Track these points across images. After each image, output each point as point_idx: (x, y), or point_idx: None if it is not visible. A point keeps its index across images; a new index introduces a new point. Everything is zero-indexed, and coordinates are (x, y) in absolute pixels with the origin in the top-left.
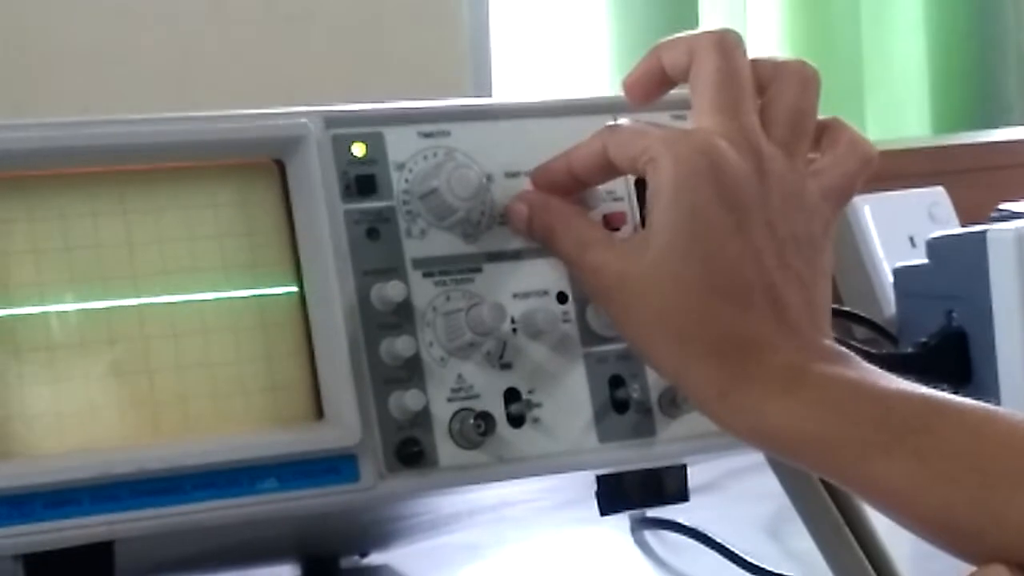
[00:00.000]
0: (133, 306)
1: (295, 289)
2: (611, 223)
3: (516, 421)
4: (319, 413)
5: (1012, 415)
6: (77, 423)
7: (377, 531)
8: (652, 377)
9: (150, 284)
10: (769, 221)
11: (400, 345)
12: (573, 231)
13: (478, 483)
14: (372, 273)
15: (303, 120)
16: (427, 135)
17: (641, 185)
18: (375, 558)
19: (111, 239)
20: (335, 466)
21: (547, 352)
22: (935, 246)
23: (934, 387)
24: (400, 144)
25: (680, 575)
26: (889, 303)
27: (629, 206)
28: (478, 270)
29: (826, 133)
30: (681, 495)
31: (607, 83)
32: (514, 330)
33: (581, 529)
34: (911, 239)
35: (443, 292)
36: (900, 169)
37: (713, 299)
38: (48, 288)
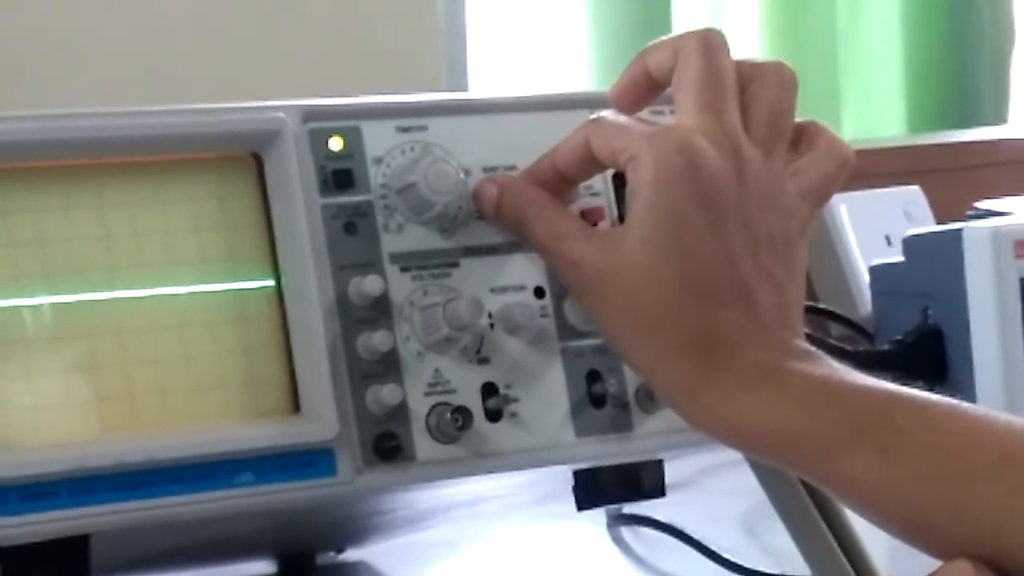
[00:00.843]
0: (110, 299)
1: (272, 283)
2: (589, 218)
3: (493, 416)
4: (296, 407)
5: (975, 409)
6: (53, 416)
7: (353, 527)
8: (629, 372)
9: (127, 277)
10: (746, 220)
11: (377, 339)
12: (547, 220)
13: (455, 477)
14: (349, 267)
15: (280, 114)
16: (404, 129)
17: (619, 180)
18: (351, 554)
19: (88, 232)
20: (312, 460)
21: (524, 347)
22: (911, 244)
23: (910, 384)
24: (377, 138)
25: (657, 571)
26: (865, 301)
27: (607, 201)
28: (455, 265)
29: (804, 135)
30: (658, 490)
31: (585, 77)
32: (491, 325)
33: (557, 525)
34: (887, 238)
35: (420, 287)
36: (876, 168)
37: (685, 295)
38: (24, 281)
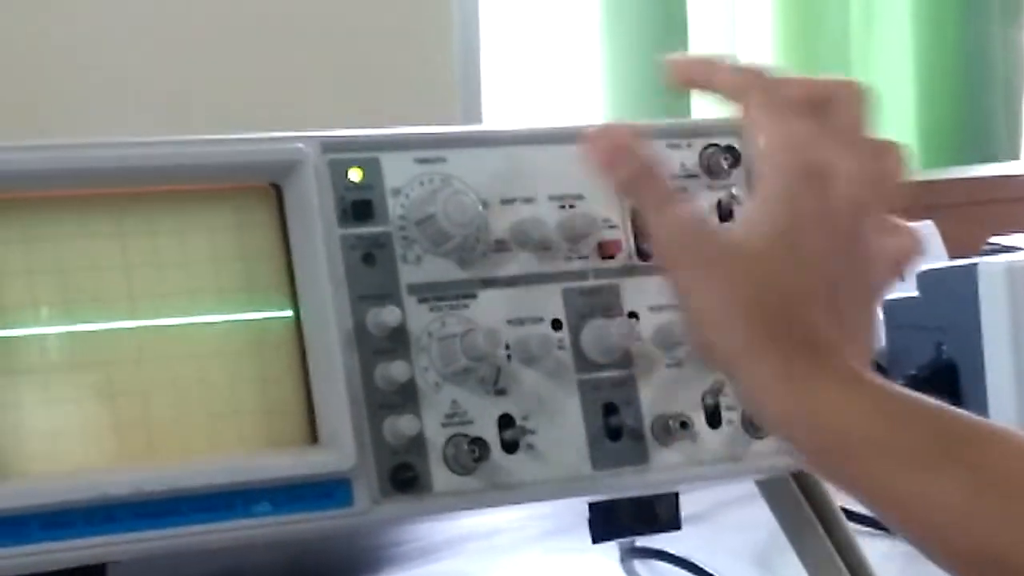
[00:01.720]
0: (129, 328)
1: (291, 313)
2: (606, 250)
3: (510, 447)
4: (314, 437)
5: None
6: (72, 445)
7: (367, 558)
8: (645, 404)
9: (146, 306)
10: (851, 250)
11: (395, 370)
12: (659, 184)
13: (472, 508)
14: (368, 298)
15: (300, 145)
16: (423, 161)
17: (636, 213)
18: None
19: (107, 261)
20: (329, 491)
21: (541, 378)
22: (925, 279)
23: None
24: (397, 170)
25: None
26: (878, 336)
27: (624, 234)
28: (473, 296)
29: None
30: (673, 523)
31: (600, 105)
32: (508, 356)
33: (570, 557)
34: None
35: (438, 318)
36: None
37: (807, 294)
38: (43, 310)
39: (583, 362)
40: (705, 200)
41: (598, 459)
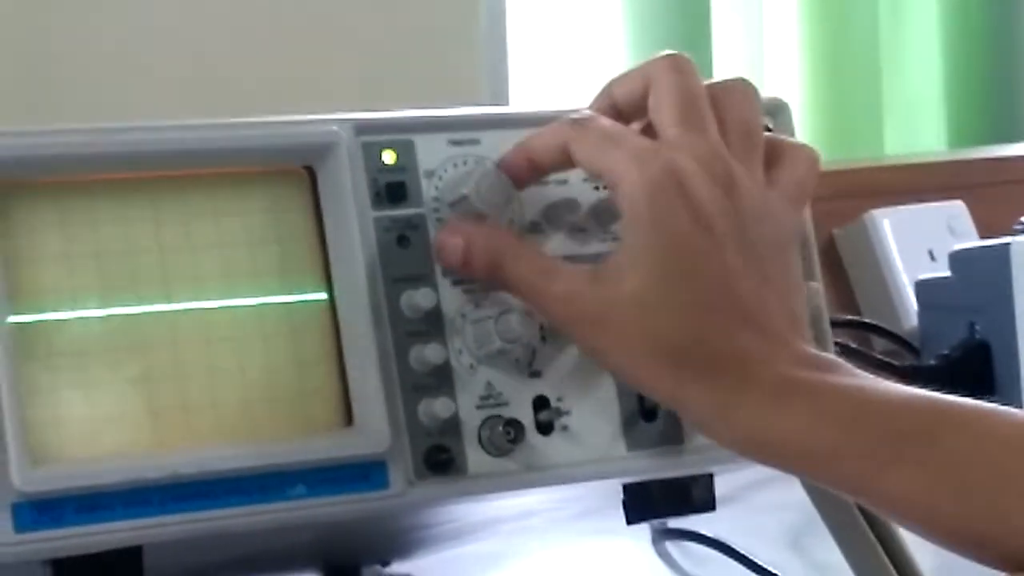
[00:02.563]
0: (164, 312)
1: (325, 296)
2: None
3: (545, 429)
4: (349, 419)
5: (1015, 415)
6: (108, 428)
7: (401, 540)
8: None
9: (181, 290)
10: (741, 235)
11: (429, 352)
12: (528, 260)
13: (507, 491)
14: (402, 280)
15: (334, 127)
16: (457, 143)
17: None
18: (397, 567)
19: (143, 245)
20: (365, 473)
21: (576, 360)
22: (958, 259)
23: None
24: (430, 151)
25: None
26: (908, 316)
27: None
28: None
29: (768, 146)
30: (708, 504)
31: None
32: (543, 338)
33: (602, 539)
34: (930, 252)
35: (472, 299)
36: (919, 183)
37: (704, 319)
38: (80, 293)
39: None
40: None
41: (633, 440)
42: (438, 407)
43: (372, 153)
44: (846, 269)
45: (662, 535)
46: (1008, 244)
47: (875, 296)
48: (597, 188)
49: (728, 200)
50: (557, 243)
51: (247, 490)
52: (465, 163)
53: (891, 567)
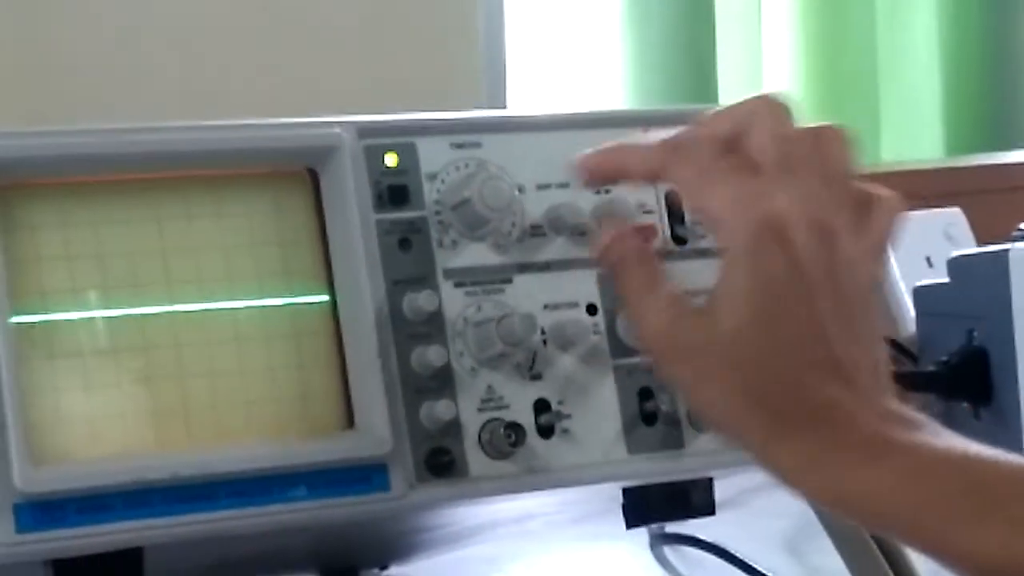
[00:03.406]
0: (166, 313)
1: (327, 298)
2: (641, 235)
3: (546, 432)
4: (350, 422)
5: None
6: (110, 429)
7: (399, 543)
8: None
9: (183, 291)
10: (834, 285)
11: (431, 355)
12: (645, 287)
13: (507, 493)
14: (404, 283)
15: (336, 130)
16: (459, 146)
17: (672, 198)
18: (395, 571)
19: (145, 246)
20: (366, 475)
21: (577, 363)
22: (956, 265)
23: (954, 405)
24: (432, 154)
25: None
26: (906, 322)
27: (659, 220)
28: (509, 281)
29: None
30: (707, 508)
31: (620, 94)
32: (544, 341)
33: (600, 543)
34: (928, 259)
35: (474, 302)
36: (915, 189)
37: (795, 366)
38: (82, 294)
39: (618, 347)
40: None
41: (633, 444)
42: (439, 410)
43: (374, 156)
44: None
45: (660, 539)
46: (1007, 250)
47: None
48: (598, 192)
49: (823, 250)
50: (558, 246)
51: (248, 492)
52: (467, 166)
53: (890, 572)
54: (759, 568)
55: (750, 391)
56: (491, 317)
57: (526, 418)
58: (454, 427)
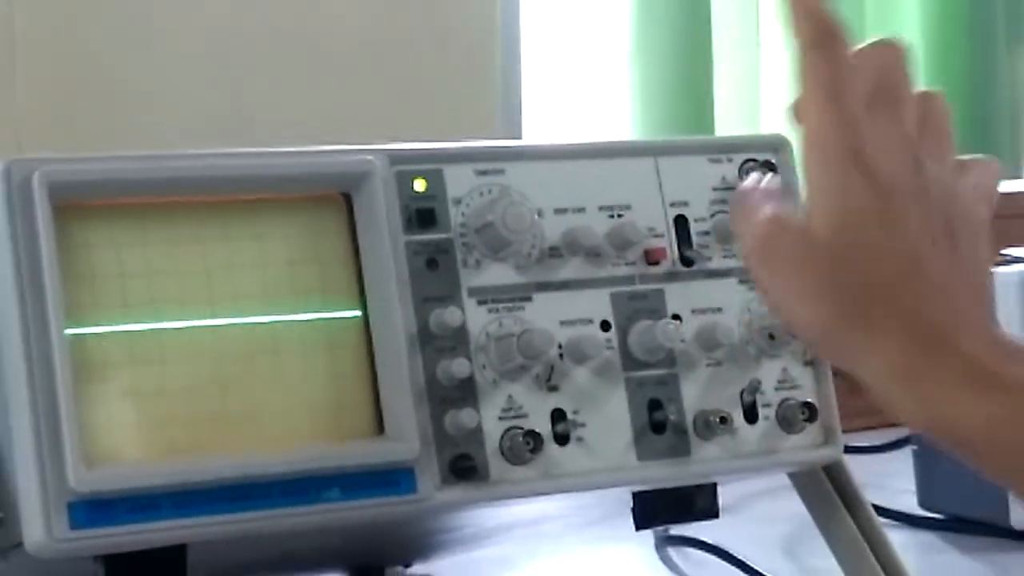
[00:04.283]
0: (210, 327)
1: (359, 314)
2: (651, 258)
3: (562, 439)
4: (380, 429)
5: None
6: (157, 433)
7: (422, 542)
8: (688, 400)
9: (225, 307)
10: (930, 212)
11: (456, 367)
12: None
13: (525, 496)
14: (431, 300)
15: (369, 157)
16: (483, 173)
17: (680, 222)
18: (418, 568)
19: (190, 265)
20: (395, 478)
21: (591, 376)
22: None
23: None
24: (458, 181)
25: None
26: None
27: (668, 242)
28: (528, 299)
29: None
30: (712, 512)
31: (627, 124)
32: (561, 355)
33: (609, 545)
34: None
35: (496, 319)
36: None
37: (891, 279)
38: (132, 309)
39: (630, 361)
40: None
41: (643, 451)
42: (463, 418)
43: (404, 181)
44: None
45: (665, 541)
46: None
47: None
48: (612, 217)
49: (916, 178)
50: (575, 267)
51: (285, 493)
52: (490, 191)
53: (880, 571)
54: (758, 569)
55: (842, 295)
56: (512, 332)
57: (543, 426)
58: (477, 434)
